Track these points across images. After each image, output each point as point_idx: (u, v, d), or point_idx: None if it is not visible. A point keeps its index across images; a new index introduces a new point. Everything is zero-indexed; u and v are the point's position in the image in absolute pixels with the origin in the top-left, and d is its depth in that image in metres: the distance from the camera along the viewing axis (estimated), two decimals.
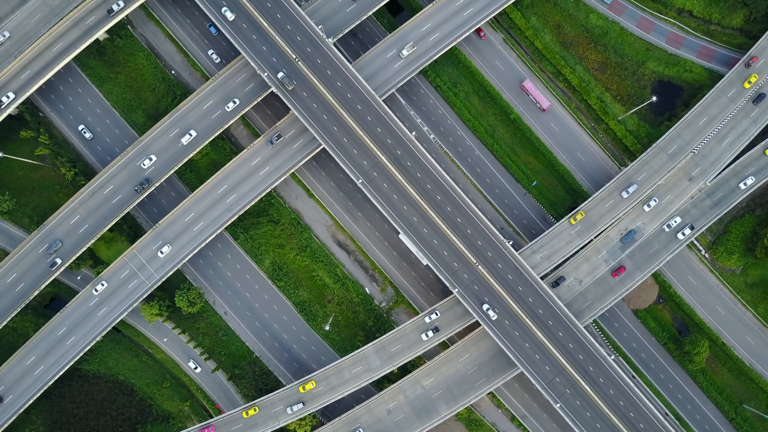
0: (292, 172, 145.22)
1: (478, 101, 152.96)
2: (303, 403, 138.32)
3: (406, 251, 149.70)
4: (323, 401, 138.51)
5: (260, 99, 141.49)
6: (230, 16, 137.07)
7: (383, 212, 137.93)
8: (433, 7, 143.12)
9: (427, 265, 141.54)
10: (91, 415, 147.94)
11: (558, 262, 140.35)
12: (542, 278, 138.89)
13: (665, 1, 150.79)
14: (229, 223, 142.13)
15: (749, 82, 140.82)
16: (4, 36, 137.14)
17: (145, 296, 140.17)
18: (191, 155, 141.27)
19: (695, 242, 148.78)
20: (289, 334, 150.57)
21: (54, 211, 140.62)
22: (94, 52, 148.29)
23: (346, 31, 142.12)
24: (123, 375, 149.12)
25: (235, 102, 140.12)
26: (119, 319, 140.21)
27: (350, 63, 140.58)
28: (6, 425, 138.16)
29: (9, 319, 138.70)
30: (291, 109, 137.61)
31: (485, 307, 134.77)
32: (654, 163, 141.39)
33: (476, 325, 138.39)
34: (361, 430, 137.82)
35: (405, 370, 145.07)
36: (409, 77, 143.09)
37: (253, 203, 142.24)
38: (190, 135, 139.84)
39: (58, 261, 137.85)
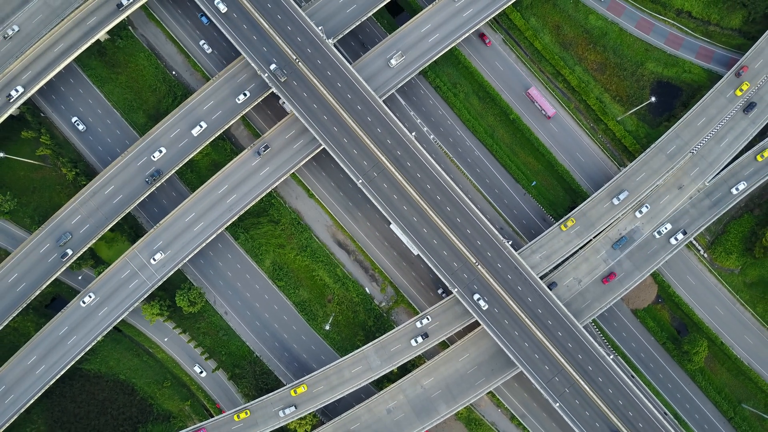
0: (293, 173, 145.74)
1: (478, 102, 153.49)
2: (295, 406, 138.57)
3: (406, 251, 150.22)
4: (321, 401, 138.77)
5: (261, 99, 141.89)
6: (223, 8, 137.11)
7: (378, 206, 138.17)
8: (433, 8, 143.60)
9: (418, 255, 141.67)
10: (92, 415, 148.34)
11: (557, 262, 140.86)
12: (541, 278, 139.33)
13: (664, 1, 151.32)
14: (230, 223, 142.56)
15: (741, 90, 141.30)
16: (13, 30, 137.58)
17: (145, 296, 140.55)
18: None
19: (694, 242, 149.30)
20: (289, 333, 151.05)
21: (55, 211, 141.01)
22: (95, 53, 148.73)
23: (347, 31, 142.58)
24: (124, 374, 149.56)
25: (245, 94, 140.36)
26: (120, 319, 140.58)
27: (350, 64, 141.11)
28: (7, 425, 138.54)
29: (10, 318, 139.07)
30: (291, 109, 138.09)
31: (476, 296, 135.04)
32: (653, 164, 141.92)
33: (476, 324, 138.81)
34: None
35: (405, 369, 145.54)
36: (409, 78, 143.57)
37: (253, 203, 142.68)
38: (201, 126, 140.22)
39: (69, 252, 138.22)
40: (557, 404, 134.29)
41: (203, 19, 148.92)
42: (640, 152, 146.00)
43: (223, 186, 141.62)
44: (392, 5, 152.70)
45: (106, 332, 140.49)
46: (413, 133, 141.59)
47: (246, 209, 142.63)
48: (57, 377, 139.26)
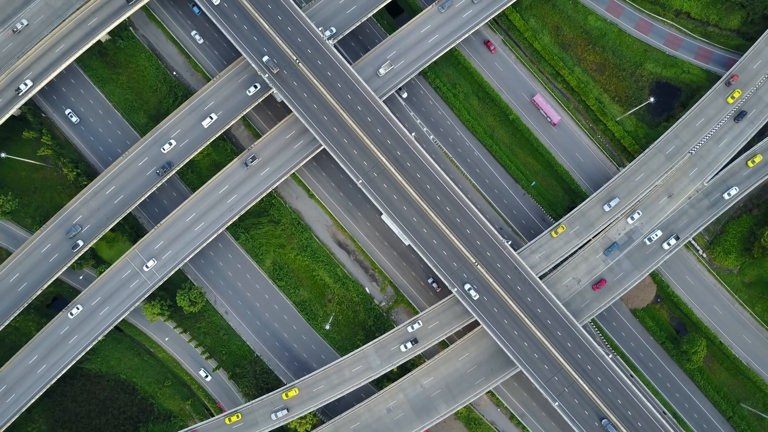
0: (293, 173, 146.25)
1: (477, 102, 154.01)
2: (288, 409, 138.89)
3: (406, 251, 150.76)
4: (321, 401, 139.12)
5: (264, 98, 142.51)
6: (216, 0, 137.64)
7: (372, 199, 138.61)
8: (433, 9, 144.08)
9: (409, 245, 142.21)
10: (93, 414, 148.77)
11: (556, 262, 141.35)
12: (541, 278, 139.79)
13: (663, 2, 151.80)
14: (230, 223, 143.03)
15: (732, 98, 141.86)
16: (22, 24, 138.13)
17: (146, 296, 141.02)
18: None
19: (693, 242, 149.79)
20: (289, 333, 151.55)
21: (56, 211, 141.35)
22: (96, 54, 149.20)
23: (347, 32, 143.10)
24: (125, 374, 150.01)
25: (256, 86, 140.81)
26: (121, 319, 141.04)
27: (350, 64, 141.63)
28: (8, 424, 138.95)
29: (12, 318, 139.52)
30: (291, 110, 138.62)
31: (466, 286, 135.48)
32: (652, 164, 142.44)
33: (475, 324, 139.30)
34: None
35: (405, 369, 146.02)
36: (409, 78, 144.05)
37: (253, 203, 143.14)
38: (211, 118, 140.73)
39: (80, 243, 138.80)
40: (556, 403, 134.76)
41: (195, 9, 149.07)
42: (639, 152, 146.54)
43: (223, 186, 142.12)
44: (392, 6, 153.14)
45: (107, 332, 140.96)
46: (413, 134, 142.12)
47: (246, 209, 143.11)
48: (58, 377, 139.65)
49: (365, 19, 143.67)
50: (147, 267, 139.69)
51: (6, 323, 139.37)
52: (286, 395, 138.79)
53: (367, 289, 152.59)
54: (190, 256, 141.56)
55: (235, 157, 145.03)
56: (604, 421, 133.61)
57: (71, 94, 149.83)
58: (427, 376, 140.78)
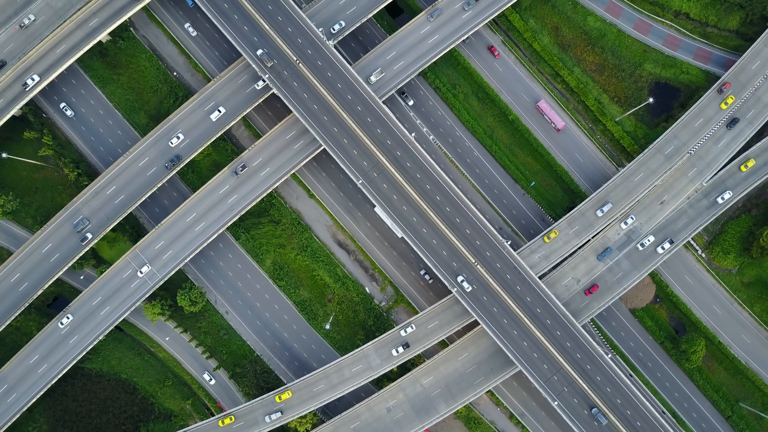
0: (293, 173, 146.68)
1: (477, 102, 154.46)
2: (281, 412, 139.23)
3: (406, 251, 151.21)
4: (322, 400, 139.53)
5: (262, 100, 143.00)
6: None
7: (368, 195, 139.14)
8: (432, 10, 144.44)
9: (402, 237, 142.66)
10: (94, 414, 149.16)
11: (556, 262, 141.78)
12: (540, 278, 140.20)
13: (662, 3, 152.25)
14: (231, 223, 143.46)
15: (726, 104, 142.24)
16: (29, 19, 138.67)
17: (147, 296, 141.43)
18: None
19: (692, 242, 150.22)
20: (289, 333, 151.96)
21: (57, 211, 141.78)
22: (96, 54, 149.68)
23: (347, 33, 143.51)
24: (125, 373, 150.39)
25: (264, 80, 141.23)
26: (121, 319, 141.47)
27: (350, 65, 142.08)
28: (9, 423, 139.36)
29: (13, 318, 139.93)
30: (292, 110, 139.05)
31: (459, 278, 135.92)
32: (651, 164, 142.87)
33: (475, 324, 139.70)
34: None
35: (404, 368, 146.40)
36: (409, 79, 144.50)
37: (254, 203, 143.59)
38: (219, 111, 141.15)
39: (89, 236, 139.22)
40: (556, 403, 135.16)
41: (188, 1, 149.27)
42: (638, 153, 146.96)
43: (224, 186, 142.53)
44: (392, 7, 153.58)
45: (107, 331, 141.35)
46: (413, 134, 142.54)
47: (247, 209, 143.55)
48: (59, 376, 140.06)
49: (365, 19, 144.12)
50: (141, 273, 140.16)
51: (7, 323, 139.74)
52: (279, 398, 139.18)
53: (367, 288, 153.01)
54: (191, 256, 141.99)
55: (235, 157, 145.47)
56: (594, 410, 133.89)
57: (72, 94, 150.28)
58: (426, 375, 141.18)
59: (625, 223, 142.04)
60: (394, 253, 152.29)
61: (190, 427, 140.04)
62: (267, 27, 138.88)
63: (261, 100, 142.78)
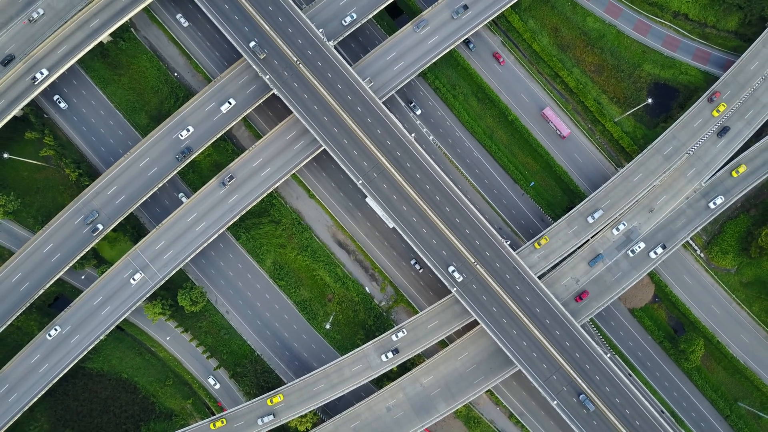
0: (293, 173, 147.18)
1: (477, 103, 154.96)
2: (274, 415, 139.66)
3: (406, 251, 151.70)
4: (322, 399, 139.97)
5: (262, 100, 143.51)
6: None
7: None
8: (432, 11, 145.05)
9: (393, 227, 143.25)
10: (95, 413, 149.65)
11: (555, 262, 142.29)
12: (540, 278, 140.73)
13: (661, 4, 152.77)
14: (231, 223, 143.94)
15: (717, 111, 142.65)
16: (38, 13, 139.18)
17: (148, 295, 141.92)
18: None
19: (691, 242, 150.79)
20: (290, 332, 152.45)
21: (58, 211, 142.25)
22: (97, 55, 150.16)
23: (347, 34, 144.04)
24: (126, 373, 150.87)
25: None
26: (122, 318, 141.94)
27: (350, 65, 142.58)
28: (11, 422, 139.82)
29: (14, 317, 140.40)
30: (292, 111, 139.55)
31: (451, 268, 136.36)
32: (650, 164, 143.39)
33: (474, 323, 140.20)
34: None
35: (404, 368, 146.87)
36: (409, 79, 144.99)
37: (254, 204, 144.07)
38: (229, 103, 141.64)
39: (100, 227, 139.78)
40: (555, 402, 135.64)
41: None
42: (637, 153, 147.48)
43: (224, 186, 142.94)
44: (392, 7, 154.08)
45: (108, 331, 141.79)
46: (413, 134, 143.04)
47: (247, 209, 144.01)
48: (60, 376, 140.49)
49: (365, 20, 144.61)
50: (134, 280, 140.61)
51: (8, 322, 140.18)
52: (271, 401, 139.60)
53: (367, 288, 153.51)
54: (192, 256, 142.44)
55: (236, 157, 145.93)
56: (582, 396, 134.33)
57: (73, 95, 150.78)
58: (426, 375, 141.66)
59: (618, 229, 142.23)
60: (393, 253, 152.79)
61: (181, 430, 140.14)
62: (267, 28, 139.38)
63: (261, 100, 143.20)
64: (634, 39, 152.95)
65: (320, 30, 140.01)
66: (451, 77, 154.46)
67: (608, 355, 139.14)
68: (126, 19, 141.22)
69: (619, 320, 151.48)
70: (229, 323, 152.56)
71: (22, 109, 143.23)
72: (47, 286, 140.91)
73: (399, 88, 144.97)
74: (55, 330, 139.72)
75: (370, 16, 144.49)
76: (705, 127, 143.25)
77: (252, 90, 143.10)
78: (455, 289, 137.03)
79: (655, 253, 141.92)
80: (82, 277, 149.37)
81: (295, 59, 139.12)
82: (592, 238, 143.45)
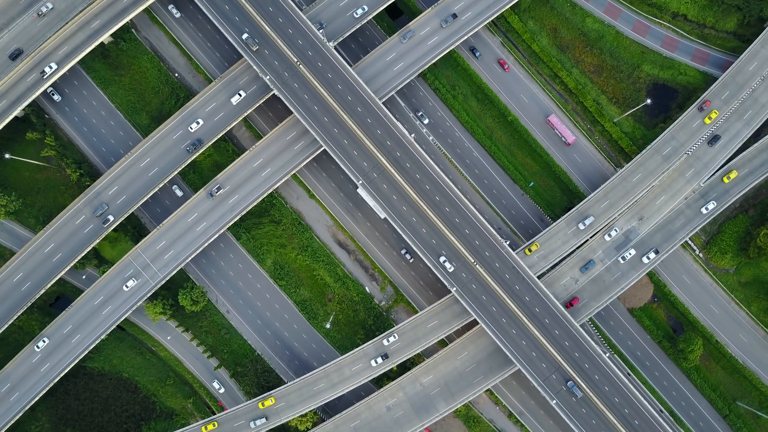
0: (294, 173, 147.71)
1: (476, 104, 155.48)
2: (266, 418, 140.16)
3: (406, 251, 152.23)
4: (322, 399, 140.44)
5: (262, 101, 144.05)
6: None
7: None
8: (432, 12, 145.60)
9: (385, 218, 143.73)
10: (96, 412, 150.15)
11: (554, 262, 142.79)
12: (539, 277, 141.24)
13: (660, 5, 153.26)
14: (232, 223, 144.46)
15: (709, 118, 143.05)
16: (47, 7, 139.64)
17: (148, 295, 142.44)
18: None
19: (690, 242, 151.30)
20: (290, 332, 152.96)
21: (59, 211, 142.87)
22: (98, 55, 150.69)
23: (347, 34, 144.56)
24: (127, 372, 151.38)
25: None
26: (123, 318, 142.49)
27: (351, 66, 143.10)
28: (12, 422, 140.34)
29: (16, 317, 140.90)
30: (293, 111, 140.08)
31: (442, 259, 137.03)
32: (649, 165, 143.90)
33: (474, 323, 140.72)
34: None
35: (404, 367, 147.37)
36: (409, 80, 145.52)
37: (255, 204, 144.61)
38: (240, 95, 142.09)
39: (111, 218, 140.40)
40: (554, 402, 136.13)
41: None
42: (636, 153, 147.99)
43: (225, 187, 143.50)
44: (392, 8, 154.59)
45: (109, 331, 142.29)
46: (412, 135, 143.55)
47: (248, 210, 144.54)
48: (61, 375, 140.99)
49: (365, 21, 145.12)
50: (127, 287, 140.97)
51: (10, 322, 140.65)
52: (263, 404, 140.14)
53: (367, 288, 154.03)
54: (192, 256, 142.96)
55: (236, 158, 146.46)
56: (569, 383, 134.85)
57: (74, 95, 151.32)
58: (426, 374, 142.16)
59: (610, 235, 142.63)
60: (393, 253, 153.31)
61: None
62: (268, 29, 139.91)
63: (262, 101, 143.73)
64: (633, 39, 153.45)
65: (320, 31, 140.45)
66: (450, 78, 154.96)
67: (607, 355, 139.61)
68: (127, 19, 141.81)
69: (618, 320, 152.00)
70: (229, 323, 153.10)
71: (24, 109, 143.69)
72: (48, 285, 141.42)
73: (399, 88, 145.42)
74: (44, 342, 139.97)
75: (370, 16, 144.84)
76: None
77: (252, 90, 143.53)
78: (455, 288, 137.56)
79: (648, 257, 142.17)
80: (83, 277, 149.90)
81: (296, 60, 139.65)
82: (591, 237, 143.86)
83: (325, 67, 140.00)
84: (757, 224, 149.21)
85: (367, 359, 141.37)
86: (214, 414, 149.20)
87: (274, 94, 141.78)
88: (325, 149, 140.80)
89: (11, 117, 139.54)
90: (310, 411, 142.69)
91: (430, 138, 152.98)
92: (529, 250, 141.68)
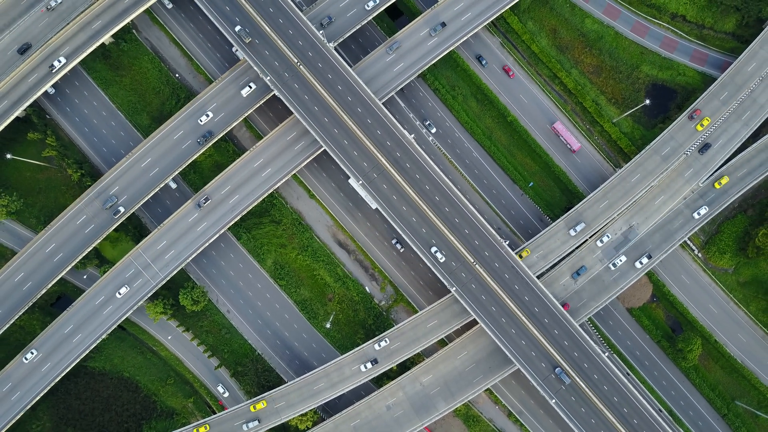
0: (294, 174, 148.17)
1: (476, 104, 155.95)
2: (259, 420, 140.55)
3: (406, 251, 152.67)
4: (322, 398, 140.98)
5: (263, 101, 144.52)
6: None
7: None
8: (432, 12, 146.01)
9: (376, 208, 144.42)
10: (97, 412, 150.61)
11: (554, 262, 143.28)
12: (538, 277, 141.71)
13: (659, 5, 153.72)
14: (232, 223, 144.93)
15: (701, 125, 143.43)
16: (56, 1, 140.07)
17: (149, 295, 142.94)
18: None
19: (688, 242, 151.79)
20: (290, 331, 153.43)
21: (60, 211, 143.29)
22: (99, 56, 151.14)
23: (347, 35, 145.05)
24: (128, 372, 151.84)
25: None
26: (124, 318, 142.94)
27: (350, 67, 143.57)
28: (13, 421, 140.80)
29: (17, 317, 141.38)
30: (293, 112, 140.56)
31: (433, 249, 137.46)
32: (648, 165, 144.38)
33: (473, 323, 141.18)
34: None
35: (404, 367, 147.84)
36: (408, 80, 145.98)
37: (255, 204, 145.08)
38: (250, 87, 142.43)
39: (122, 209, 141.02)
40: (553, 401, 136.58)
41: None
42: (635, 154, 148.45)
43: (225, 187, 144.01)
44: (392, 9, 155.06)
45: (110, 330, 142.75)
46: (412, 135, 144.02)
47: (248, 210, 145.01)
48: (62, 375, 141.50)
49: (365, 22, 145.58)
50: (119, 294, 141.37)
51: (11, 321, 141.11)
52: (254, 408, 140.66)
53: (367, 288, 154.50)
54: (193, 256, 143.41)
55: (237, 158, 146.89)
56: (557, 369, 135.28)
57: (75, 95, 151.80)
58: (426, 374, 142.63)
59: (602, 241, 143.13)
60: (393, 253, 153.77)
61: None
62: (268, 29, 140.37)
63: (262, 101, 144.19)
64: (632, 40, 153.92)
65: (320, 32, 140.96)
66: (450, 78, 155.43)
67: (606, 354, 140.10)
68: (128, 20, 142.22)
69: (617, 319, 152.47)
70: (230, 322, 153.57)
71: (25, 109, 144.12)
72: (50, 285, 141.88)
73: (398, 89, 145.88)
74: (32, 353, 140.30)
75: (370, 17, 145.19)
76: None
77: (253, 91, 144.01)
78: (454, 288, 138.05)
79: (641, 262, 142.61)
80: (84, 277, 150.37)
81: (296, 61, 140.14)
82: (590, 238, 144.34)
83: (325, 67, 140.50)
84: (755, 224, 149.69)
85: (367, 359, 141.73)
86: (215, 413, 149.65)
87: (274, 94, 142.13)
88: (325, 149, 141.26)
89: (13, 117, 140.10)
90: (311, 410, 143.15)
91: (430, 138, 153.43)
92: (520, 256, 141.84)
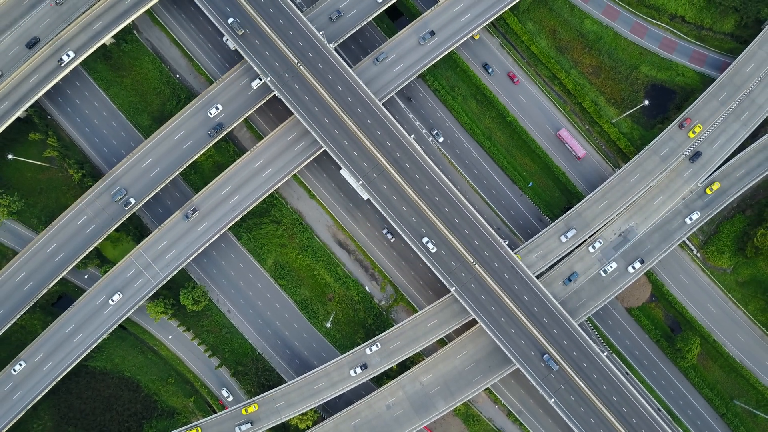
0: (294, 174, 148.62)
1: (476, 104, 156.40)
2: (251, 423, 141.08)
3: (405, 251, 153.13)
4: (323, 397, 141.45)
5: (263, 102, 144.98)
6: None
7: (330, 151, 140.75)
8: (432, 13, 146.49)
9: (368, 199, 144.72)
10: (98, 411, 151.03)
11: (553, 262, 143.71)
12: (537, 277, 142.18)
13: (658, 6, 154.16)
14: (233, 223, 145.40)
15: (693, 132, 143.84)
16: None
17: (150, 294, 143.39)
18: (266, 99, 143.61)
19: (687, 242, 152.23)
20: (290, 331, 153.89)
21: (62, 211, 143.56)
22: (100, 57, 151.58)
23: (347, 36, 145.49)
24: (129, 371, 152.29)
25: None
26: (125, 317, 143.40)
27: (351, 67, 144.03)
28: (15, 420, 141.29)
29: (18, 316, 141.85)
30: (293, 112, 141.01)
31: (425, 240, 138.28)
32: (647, 165, 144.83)
33: (473, 322, 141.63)
34: None
35: (404, 366, 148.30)
36: (408, 81, 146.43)
37: (256, 204, 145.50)
38: (260, 80, 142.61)
39: (132, 201, 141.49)
40: (553, 400, 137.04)
41: None
42: (634, 154, 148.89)
43: (226, 187, 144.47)
44: (392, 10, 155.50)
45: (111, 330, 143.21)
46: (412, 136, 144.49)
47: (249, 210, 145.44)
48: (63, 374, 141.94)
49: (365, 22, 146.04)
50: (112, 301, 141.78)
51: (12, 321, 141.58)
52: (246, 411, 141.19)
53: (367, 288, 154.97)
54: (194, 256, 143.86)
55: (237, 158, 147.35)
56: (545, 356, 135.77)
57: (76, 96, 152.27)
58: (426, 373, 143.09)
59: (593, 247, 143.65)
60: (393, 253, 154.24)
61: None
62: (269, 30, 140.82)
63: (262, 102, 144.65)
64: (631, 41, 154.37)
65: (321, 32, 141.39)
66: (450, 79, 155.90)
67: (605, 354, 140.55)
68: (129, 21, 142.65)
69: (616, 319, 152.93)
70: (230, 322, 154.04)
71: (26, 110, 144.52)
72: (51, 285, 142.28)
73: (398, 89, 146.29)
74: (20, 365, 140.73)
75: (370, 18, 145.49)
76: (703, 127, 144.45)
77: (253, 91, 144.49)
78: (454, 288, 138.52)
79: (634, 267, 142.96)
80: (86, 277, 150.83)
81: (296, 61, 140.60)
82: (590, 237, 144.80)
83: (325, 68, 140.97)
84: (754, 224, 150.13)
85: (367, 358, 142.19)
86: (215, 412, 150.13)
87: (274, 95, 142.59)
88: (325, 150, 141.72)
89: (15, 117, 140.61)
90: (311, 409, 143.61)
91: (430, 139, 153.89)
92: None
